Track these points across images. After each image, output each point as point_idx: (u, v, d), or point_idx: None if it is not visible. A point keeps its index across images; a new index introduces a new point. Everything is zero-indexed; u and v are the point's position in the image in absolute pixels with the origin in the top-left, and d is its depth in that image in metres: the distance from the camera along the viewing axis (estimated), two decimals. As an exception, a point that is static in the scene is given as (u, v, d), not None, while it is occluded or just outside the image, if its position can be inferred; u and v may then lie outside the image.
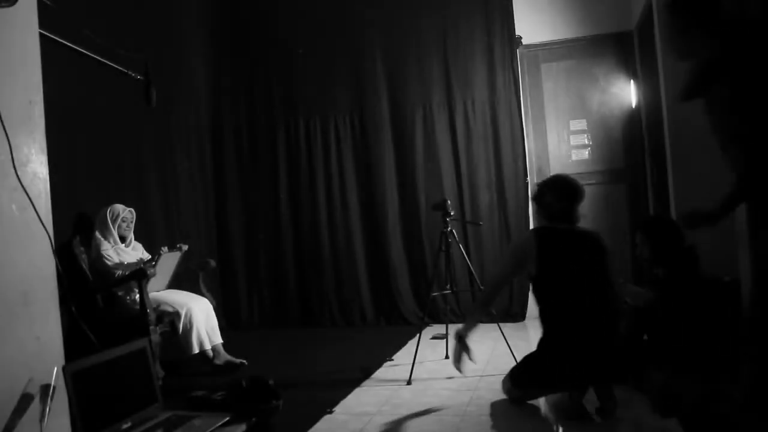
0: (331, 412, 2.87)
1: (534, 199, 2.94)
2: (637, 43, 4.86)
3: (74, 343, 2.01)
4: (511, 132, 5.07)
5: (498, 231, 5.09)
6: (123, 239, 3.69)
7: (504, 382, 2.95)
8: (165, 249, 3.67)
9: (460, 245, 3.88)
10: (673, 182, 3.77)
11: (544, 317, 2.76)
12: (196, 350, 3.59)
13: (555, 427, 2.57)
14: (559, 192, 2.77)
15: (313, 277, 5.43)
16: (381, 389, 3.24)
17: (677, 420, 2.12)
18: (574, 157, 5.13)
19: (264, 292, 5.52)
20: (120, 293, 3.57)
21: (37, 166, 1.76)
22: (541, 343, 2.78)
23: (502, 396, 2.93)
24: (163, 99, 2.76)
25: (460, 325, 2.91)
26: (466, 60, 5.18)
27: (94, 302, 3.46)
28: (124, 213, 3.68)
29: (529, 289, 4.60)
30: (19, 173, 1.67)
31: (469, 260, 4.19)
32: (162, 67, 3.47)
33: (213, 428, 1.81)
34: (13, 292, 1.66)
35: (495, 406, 2.85)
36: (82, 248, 3.51)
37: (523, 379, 2.81)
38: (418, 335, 3.65)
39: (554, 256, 2.67)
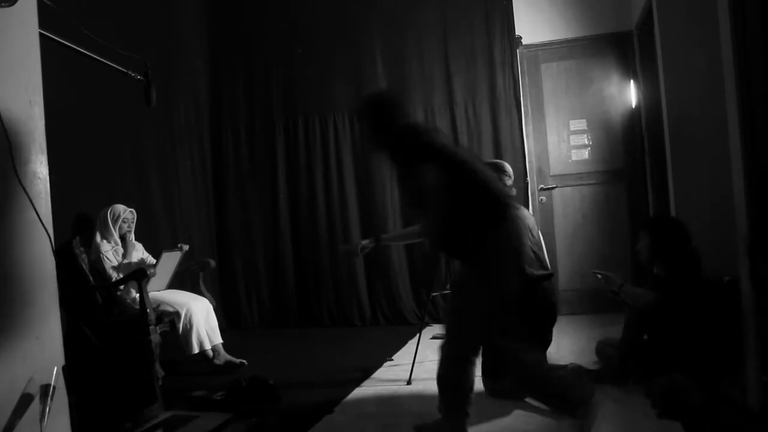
0: (331, 412, 2.87)
1: None
2: (637, 43, 4.86)
3: (74, 343, 2.01)
4: (510, 132, 5.08)
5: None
6: (124, 239, 3.69)
7: (483, 382, 3.02)
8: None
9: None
10: (673, 182, 3.77)
11: None
12: (196, 350, 3.59)
13: (555, 425, 2.57)
14: (499, 171, 3.18)
15: (313, 276, 5.43)
16: (381, 389, 3.24)
17: (679, 421, 2.12)
18: (574, 157, 5.13)
19: (263, 292, 5.52)
20: (120, 293, 3.57)
21: (37, 166, 1.76)
22: None
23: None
24: (164, 99, 2.76)
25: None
26: (466, 60, 5.18)
27: (94, 302, 3.46)
28: (125, 213, 3.68)
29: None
30: (19, 173, 1.67)
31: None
32: (162, 67, 3.47)
33: (213, 428, 1.81)
34: (13, 292, 1.66)
35: (495, 406, 2.85)
36: (82, 248, 3.51)
37: (496, 370, 2.95)
38: (418, 335, 3.65)
39: None
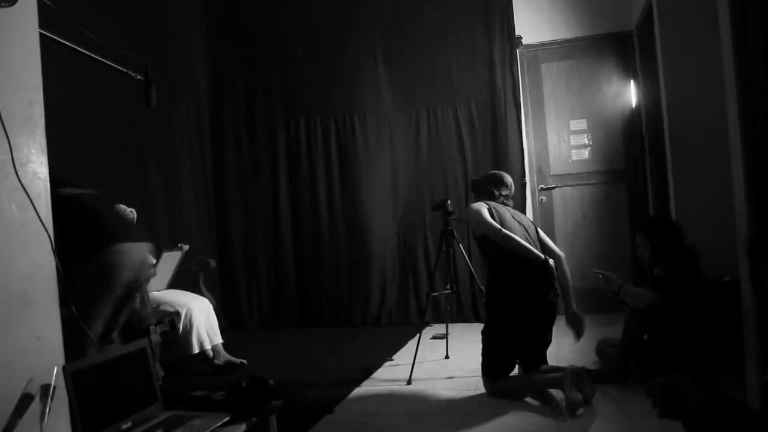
0: (331, 412, 2.87)
1: (474, 190, 3.41)
2: (637, 43, 4.86)
3: (74, 343, 2.01)
4: (510, 132, 5.08)
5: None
6: (123, 239, 3.69)
7: (484, 382, 3.03)
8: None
9: (460, 245, 3.89)
10: (673, 182, 3.77)
11: (493, 275, 3.12)
12: (196, 350, 3.59)
13: (555, 425, 2.57)
14: (499, 183, 3.29)
15: (313, 276, 5.43)
16: (381, 389, 3.25)
17: (679, 421, 2.11)
18: (574, 157, 5.13)
19: (264, 292, 5.52)
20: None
21: (37, 166, 1.75)
22: (488, 328, 3.08)
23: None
24: (164, 99, 2.76)
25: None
26: (466, 60, 5.18)
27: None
28: (125, 213, 3.67)
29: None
30: (19, 173, 1.67)
31: (470, 260, 4.19)
32: (162, 67, 3.47)
33: (213, 428, 1.80)
34: (13, 291, 1.66)
35: (495, 406, 2.85)
36: (82, 248, 3.51)
37: (495, 370, 2.98)
38: (418, 335, 3.65)
39: (501, 219, 3.10)
